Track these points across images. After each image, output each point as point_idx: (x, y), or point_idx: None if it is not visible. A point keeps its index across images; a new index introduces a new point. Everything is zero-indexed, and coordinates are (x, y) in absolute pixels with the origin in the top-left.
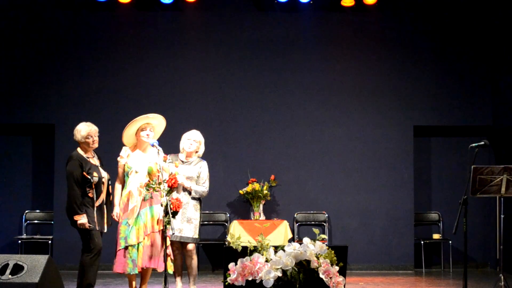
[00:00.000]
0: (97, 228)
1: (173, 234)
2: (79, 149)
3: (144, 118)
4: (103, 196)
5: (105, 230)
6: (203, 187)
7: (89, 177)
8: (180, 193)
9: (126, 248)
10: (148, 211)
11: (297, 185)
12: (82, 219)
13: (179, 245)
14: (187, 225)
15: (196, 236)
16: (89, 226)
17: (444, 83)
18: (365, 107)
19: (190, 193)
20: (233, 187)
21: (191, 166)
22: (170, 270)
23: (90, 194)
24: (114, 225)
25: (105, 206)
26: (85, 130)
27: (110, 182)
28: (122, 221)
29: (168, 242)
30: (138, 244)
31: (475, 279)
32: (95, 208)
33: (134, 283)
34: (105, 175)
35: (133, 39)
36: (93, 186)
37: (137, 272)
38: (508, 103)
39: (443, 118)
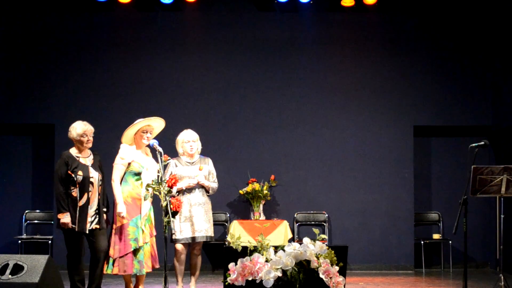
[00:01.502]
0: (77, 229)
1: (173, 234)
2: (72, 148)
3: (146, 120)
4: (88, 196)
5: (87, 231)
6: (215, 183)
7: (72, 175)
8: (199, 192)
9: (135, 249)
10: (150, 212)
11: (297, 185)
12: (65, 218)
13: (185, 245)
14: (209, 224)
15: (213, 234)
16: (72, 226)
17: (444, 83)
18: (365, 107)
19: (207, 192)
20: (233, 187)
21: (203, 166)
22: (148, 269)
23: (73, 193)
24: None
25: (96, 207)
26: (81, 128)
27: (100, 183)
28: (130, 222)
29: (153, 240)
30: (144, 244)
31: (475, 279)
32: (78, 208)
33: (131, 284)
34: (94, 175)
35: (133, 39)
36: (77, 185)
37: (144, 273)
38: (508, 103)
39: (443, 118)
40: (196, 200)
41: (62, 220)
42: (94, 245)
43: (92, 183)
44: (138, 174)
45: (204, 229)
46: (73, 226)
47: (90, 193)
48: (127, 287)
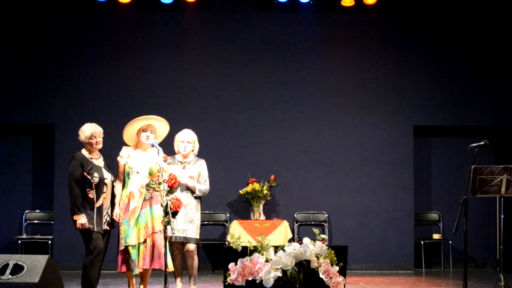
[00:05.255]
0: (96, 229)
1: (173, 234)
2: (83, 150)
3: (144, 118)
4: (104, 197)
5: (102, 232)
6: (205, 185)
7: (89, 177)
8: (183, 192)
9: (126, 248)
10: (148, 211)
11: (297, 185)
12: (81, 219)
13: (180, 246)
14: (190, 225)
15: (198, 236)
16: (89, 227)
17: (444, 83)
18: (365, 107)
19: (193, 193)
20: (233, 187)
21: (191, 166)
22: (137, 270)
23: (90, 195)
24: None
25: (108, 207)
26: (89, 130)
27: (113, 184)
28: (123, 221)
29: (155, 239)
30: (138, 244)
31: (475, 279)
32: (95, 209)
33: (133, 283)
34: (108, 176)
35: (133, 39)
36: (93, 187)
37: (137, 273)
38: (508, 103)
39: (443, 118)
40: None
41: (79, 221)
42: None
43: (106, 184)
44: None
45: (182, 229)
46: (91, 226)
47: (105, 194)
48: (129, 285)
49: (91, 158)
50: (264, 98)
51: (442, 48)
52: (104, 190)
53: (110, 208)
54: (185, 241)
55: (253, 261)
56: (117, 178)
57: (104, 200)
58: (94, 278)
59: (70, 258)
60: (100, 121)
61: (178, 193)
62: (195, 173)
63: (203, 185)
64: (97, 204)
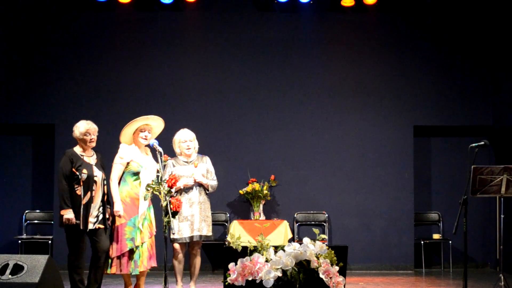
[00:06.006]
0: (81, 227)
1: (173, 234)
2: (76, 147)
3: (144, 119)
4: (93, 194)
5: (87, 230)
6: (215, 180)
7: (77, 173)
8: (197, 191)
9: (131, 249)
10: (149, 211)
11: (297, 185)
12: (68, 214)
13: (183, 246)
14: (205, 223)
15: (211, 233)
16: (76, 222)
17: (444, 83)
18: (365, 107)
19: (206, 191)
20: (233, 187)
21: (200, 164)
22: (142, 269)
23: (77, 191)
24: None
25: (99, 206)
26: (84, 127)
27: (105, 182)
28: (128, 221)
29: (152, 240)
30: (142, 244)
31: (475, 279)
32: (82, 206)
33: (131, 283)
34: (98, 174)
35: (133, 39)
36: (81, 183)
37: (138, 273)
38: (508, 103)
39: (443, 118)
40: (194, 199)
41: (65, 216)
42: (97, 245)
43: (95, 182)
44: (136, 173)
45: (200, 228)
46: (77, 222)
47: (93, 192)
48: (126, 286)
49: (82, 155)
50: (264, 98)
51: (442, 48)
52: (94, 188)
53: (102, 206)
54: (206, 240)
55: (253, 261)
56: (115, 177)
57: (93, 197)
58: (80, 278)
59: None
60: (100, 121)
61: (193, 192)
62: (204, 170)
63: (213, 181)
64: (84, 201)
